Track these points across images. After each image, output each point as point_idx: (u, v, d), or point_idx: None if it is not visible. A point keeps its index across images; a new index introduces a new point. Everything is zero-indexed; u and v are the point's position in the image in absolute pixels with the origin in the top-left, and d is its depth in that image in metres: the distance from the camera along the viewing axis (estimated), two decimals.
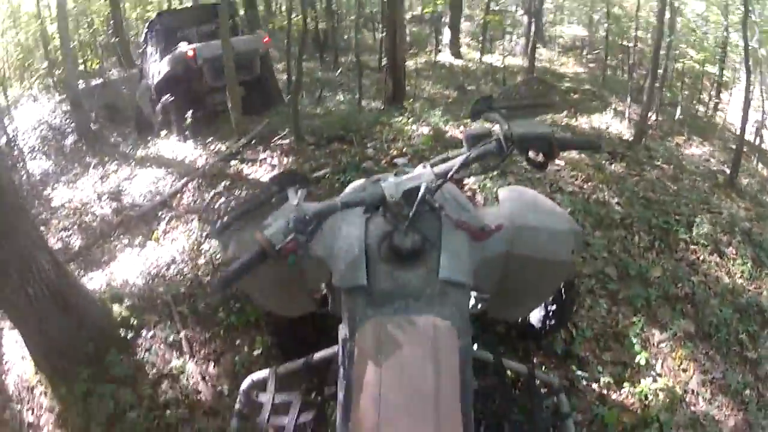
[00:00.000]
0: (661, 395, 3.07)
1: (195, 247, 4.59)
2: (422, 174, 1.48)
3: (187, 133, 6.94)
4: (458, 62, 13.63)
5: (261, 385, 2.24)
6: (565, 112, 8.28)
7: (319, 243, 1.62)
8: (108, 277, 4.56)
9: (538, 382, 2.03)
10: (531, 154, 1.59)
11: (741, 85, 11.69)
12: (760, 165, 9.19)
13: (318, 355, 2.16)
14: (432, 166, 1.54)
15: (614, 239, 4.19)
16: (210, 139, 6.70)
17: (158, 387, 3.51)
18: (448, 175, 1.50)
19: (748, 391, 3.27)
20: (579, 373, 3.13)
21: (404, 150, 5.36)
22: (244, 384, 2.25)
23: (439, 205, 1.49)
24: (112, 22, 15.04)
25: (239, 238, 1.75)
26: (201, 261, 4.42)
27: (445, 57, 13.89)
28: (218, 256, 4.31)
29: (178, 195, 5.62)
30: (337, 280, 1.53)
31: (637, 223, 4.38)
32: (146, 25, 9.20)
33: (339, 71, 11.84)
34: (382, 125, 6.11)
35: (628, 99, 9.04)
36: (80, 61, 14.28)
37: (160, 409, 3.38)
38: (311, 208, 1.40)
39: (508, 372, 2.06)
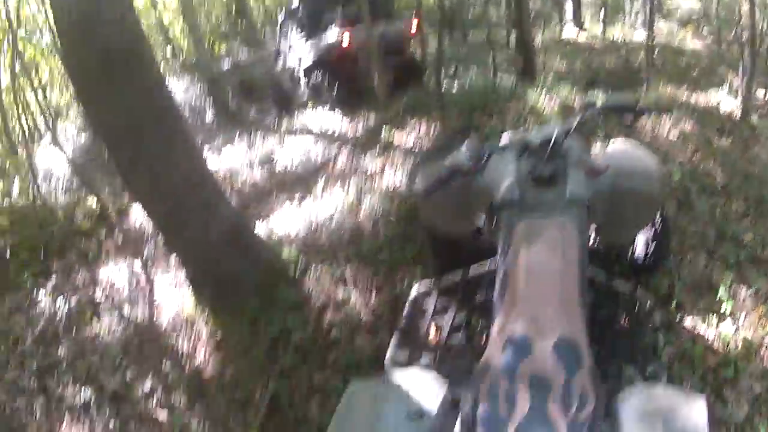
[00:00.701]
0: (740, 344, 3.34)
1: (354, 204, 5.03)
2: (555, 128, 2.10)
3: (335, 104, 7.49)
4: (581, 38, 13.64)
5: (424, 295, 2.87)
6: (684, 88, 8.24)
7: (486, 175, 2.21)
8: (270, 228, 5.14)
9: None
10: (624, 118, 2.29)
11: None
12: None
13: (472, 271, 2.76)
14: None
15: (715, 205, 4.44)
16: (357, 111, 7.20)
17: (324, 313, 4.01)
18: (571, 129, 2.13)
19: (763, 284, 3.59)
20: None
21: (538, 121, 5.64)
22: (412, 292, 2.91)
23: (565, 148, 2.09)
24: (234, 6, 16.11)
25: (433, 170, 2.35)
26: (360, 216, 4.86)
27: (569, 32, 13.93)
28: (378, 211, 4.77)
29: (332, 162, 6.14)
30: (497, 200, 2.06)
31: (735, 193, 4.63)
32: (285, 8, 9.82)
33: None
34: (517, 99, 6.37)
35: (741, 75, 8.54)
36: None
37: (323, 330, 3.88)
38: (482, 148, 2.13)
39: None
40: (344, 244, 4.55)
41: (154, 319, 4.66)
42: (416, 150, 5.68)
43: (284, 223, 5.19)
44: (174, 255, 4.80)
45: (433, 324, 2.78)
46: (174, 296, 4.73)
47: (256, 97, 11.27)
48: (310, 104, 8.09)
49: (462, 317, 2.75)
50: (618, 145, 2.67)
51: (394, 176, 5.26)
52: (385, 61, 7.19)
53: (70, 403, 4.18)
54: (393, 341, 2.72)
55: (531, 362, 1.55)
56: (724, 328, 3.48)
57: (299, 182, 5.99)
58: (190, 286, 4.47)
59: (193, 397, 3.90)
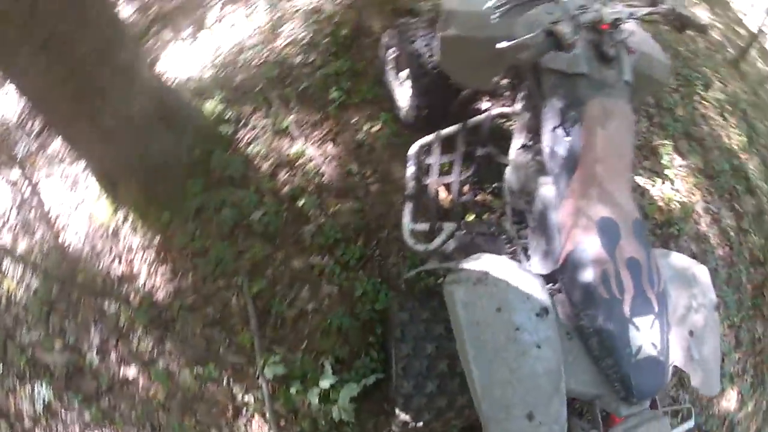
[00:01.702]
0: (679, 206, 3.73)
1: (269, 29, 4.14)
2: (623, 11, 1.95)
3: None
4: None
5: (426, 150, 2.75)
6: None
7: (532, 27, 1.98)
8: (173, 77, 4.11)
9: None
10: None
11: None
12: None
13: (472, 121, 2.71)
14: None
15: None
16: None
17: (277, 179, 3.32)
18: (635, 16, 2.00)
19: (733, 234, 3.89)
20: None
21: None
22: (412, 149, 2.73)
23: (623, 32, 1.99)
24: None
25: (521, 20, 2.08)
26: (280, 42, 4.02)
27: None
28: (303, 41, 3.95)
29: None
30: (563, 66, 1.96)
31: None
32: None
33: None
34: None
35: None
36: None
37: (287, 201, 3.23)
38: (581, 17, 1.88)
39: None
40: (275, 82, 3.74)
41: (65, 245, 3.54)
42: None
43: (183, 67, 4.16)
44: (71, 147, 3.53)
45: (441, 184, 2.81)
46: (75, 204, 3.66)
47: None
48: None
49: (468, 170, 2.79)
50: (637, 36, 2.51)
51: None
52: None
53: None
54: (406, 211, 2.60)
55: (624, 246, 1.70)
56: (666, 190, 3.79)
57: (182, 13, 4.73)
58: (100, 184, 3.44)
59: (158, 333, 3.11)
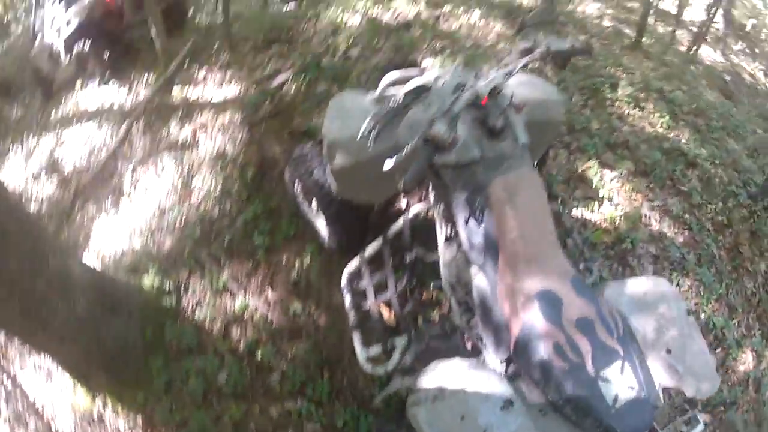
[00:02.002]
0: (624, 219, 3.78)
1: (182, 186, 4.25)
2: (497, 77, 1.91)
3: (108, 74, 6.17)
4: None
5: (357, 275, 2.77)
6: None
7: (410, 128, 2.07)
8: (103, 255, 4.18)
9: None
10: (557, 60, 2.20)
11: None
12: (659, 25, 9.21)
13: (392, 231, 2.73)
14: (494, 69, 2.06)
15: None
16: (135, 75, 5.94)
17: (231, 337, 3.40)
18: (512, 74, 1.99)
19: (687, 216, 3.94)
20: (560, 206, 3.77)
21: (350, 42, 4.98)
22: (343, 280, 2.75)
23: (504, 96, 1.95)
24: None
25: (402, 127, 2.09)
26: (195, 197, 4.12)
27: None
28: (216, 192, 4.04)
29: (124, 140, 5.03)
30: (453, 160, 1.92)
31: (571, 86, 4.83)
32: None
33: None
34: (312, 18, 5.60)
35: None
36: None
37: (246, 357, 3.30)
38: (454, 109, 1.79)
39: None
40: (200, 243, 3.82)
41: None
42: (238, 97, 4.78)
43: (113, 241, 4.23)
44: (36, 350, 3.64)
45: (380, 303, 2.79)
46: (55, 393, 3.67)
47: (14, 92, 8.90)
48: (79, 82, 6.55)
49: (403, 281, 2.81)
50: (520, 78, 2.56)
51: (214, 140, 4.44)
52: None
53: None
54: (356, 341, 2.62)
55: (568, 309, 1.69)
56: (607, 210, 3.83)
57: (101, 183, 4.85)
58: (71, 376, 3.51)
59: None
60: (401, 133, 2.08)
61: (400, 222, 2.77)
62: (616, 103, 4.73)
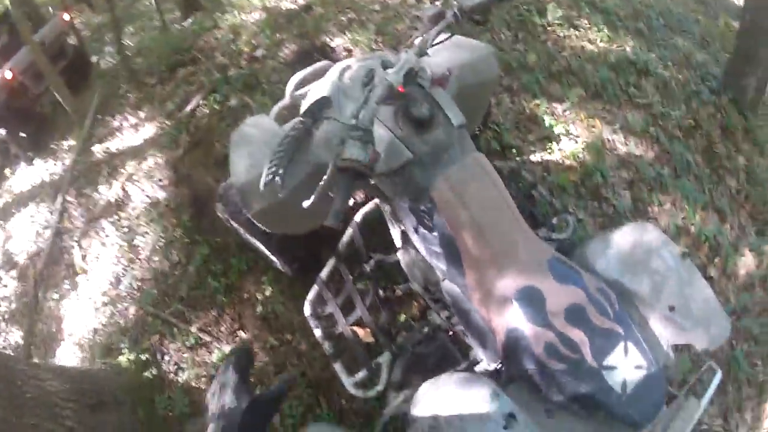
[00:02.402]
0: (588, 151, 3.45)
1: (128, 247, 4.01)
2: (408, 58, 1.63)
3: (30, 154, 5.90)
4: None
5: (320, 301, 2.53)
6: None
7: (327, 139, 1.77)
8: (77, 340, 3.96)
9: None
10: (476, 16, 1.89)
11: None
12: None
13: (343, 244, 2.49)
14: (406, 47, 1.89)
15: (485, 40, 4.06)
16: (54, 144, 5.68)
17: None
18: (426, 51, 1.72)
19: (652, 129, 3.65)
20: (517, 159, 3.41)
21: (256, 42, 4.64)
22: (306, 310, 2.51)
23: (424, 75, 1.71)
24: None
25: (314, 145, 1.79)
26: (143, 255, 3.90)
27: None
28: (159, 243, 3.80)
29: (66, 215, 4.77)
30: (385, 167, 1.66)
31: (496, 23, 4.35)
32: None
33: None
34: (211, 29, 5.25)
35: None
36: None
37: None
38: (363, 119, 1.46)
39: None
40: (160, 303, 3.59)
41: None
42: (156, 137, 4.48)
43: (83, 323, 3.99)
44: None
45: (352, 324, 2.53)
46: None
47: None
48: (8, 170, 6.28)
49: (368, 296, 2.54)
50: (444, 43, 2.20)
51: (143, 190, 4.18)
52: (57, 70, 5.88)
53: None
54: (339, 371, 2.41)
55: (553, 302, 1.50)
56: (567, 146, 3.49)
57: (54, 263, 4.60)
58: None
59: None
60: (316, 153, 1.77)
61: (349, 231, 2.49)
62: (549, 29, 4.33)
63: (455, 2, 1.83)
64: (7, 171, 6.10)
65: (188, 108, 4.27)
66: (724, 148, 3.73)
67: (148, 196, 4.07)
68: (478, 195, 1.63)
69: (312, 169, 1.78)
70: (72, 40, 6.92)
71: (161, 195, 3.97)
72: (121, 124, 4.84)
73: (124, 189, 4.27)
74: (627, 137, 3.61)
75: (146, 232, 3.93)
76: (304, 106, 1.78)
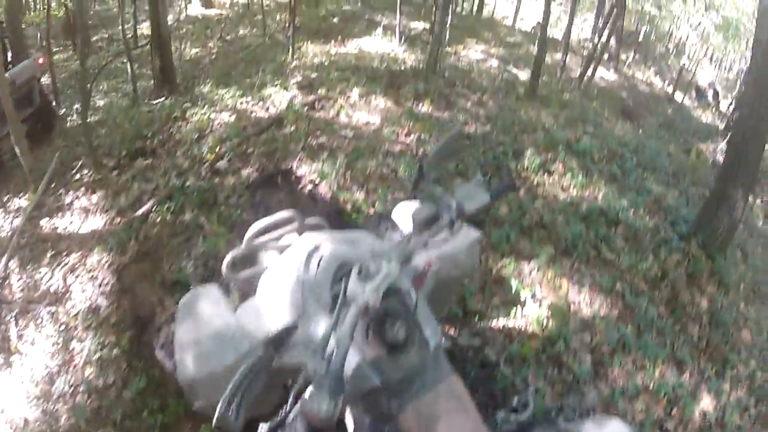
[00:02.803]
0: (552, 316, 3.39)
1: (63, 346, 3.86)
2: (389, 272, 1.35)
3: None
4: (210, 12, 11.97)
5: None
6: (332, 42, 7.73)
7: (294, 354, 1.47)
8: (9, 420, 3.77)
9: None
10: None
11: None
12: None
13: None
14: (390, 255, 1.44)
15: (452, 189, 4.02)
16: (7, 198, 5.40)
17: None
18: (410, 260, 1.49)
19: (619, 285, 3.65)
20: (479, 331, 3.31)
21: (220, 150, 4.52)
22: None
23: (405, 289, 1.44)
24: None
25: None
26: (79, 361, 3.74)
27: (196, 9, 12.08)
28: (95, 356, 3.67)
29: (7, 281, 4.54)
30: (351, 395, 1.40)
31: (471, 166, 4.31)
32: None
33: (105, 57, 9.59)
34: (178, 120, 5.12)
35: (398, 13, 8.17)
36: None
37: None
38: (335, 363, 1.22)
39: None
40: (92, 419, 3.45)
41: None
42: (104, 231, 4.33)
43: (15, 407, 3.77)
44: None
45: None
46: None
47: None
48: None
49: None
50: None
51: (84, 290, 4.03)
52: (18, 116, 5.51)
53: None
54: None
55: None
56: (531, 311, 3.43)
57: None
58: None
59: None
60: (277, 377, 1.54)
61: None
62: (523, 175, 4.33)
63: (453, 203, 1.60)
64: None
65: (140, 211, 4.14)
66: (688, 295, 3.79)
67: (89, 298, 3.93)
68: (451, 424, 1.39)
69: (274, 382, 1.55)
70: (41, 89, 6.55)
71: (102, 302, 3.85)
72: (72, 203, 4.67)
73: (65, 280, 4.11)
74: (593, 297, 3.61)
75: (83, 338, 3.78)
76: (268, 333, 1.43)
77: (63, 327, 3.93)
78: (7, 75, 5.51)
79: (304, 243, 1.60)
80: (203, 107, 5.22)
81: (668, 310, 3.71)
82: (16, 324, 4.24)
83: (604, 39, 8.20)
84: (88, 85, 5.57)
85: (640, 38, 11.02)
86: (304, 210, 4.11)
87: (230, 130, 4.73)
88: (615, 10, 8.30)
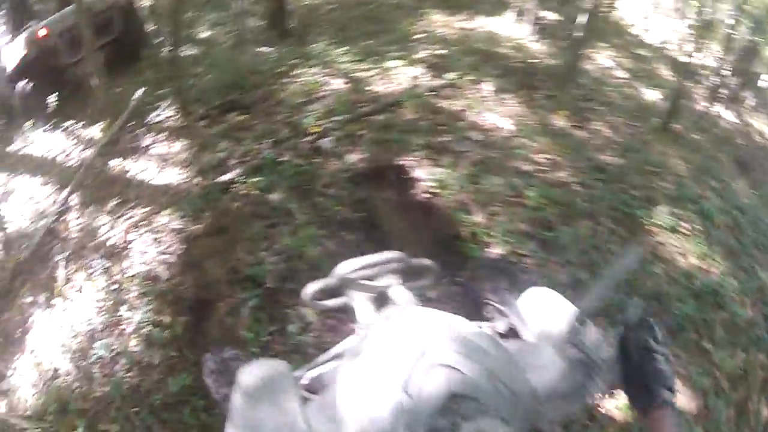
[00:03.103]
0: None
1: (111, 307, 3.48)
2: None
3: (54, 121, 5.38)
4: None
5: None
6: (459, 16, 7.17)
7: None
8: (38, 371, 3.47)
9: None
10: None
11: None
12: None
13: None
14: None
15: (582, 235, 3.68)
16: (81, 124, 5.08)
17: None
18: None
19: (705, 380, 3.25)
20: None
21: (326, 124, 4.03)
22: None
23: None
24: None
25: None
26: (125, 329, 3.37)
27: None
28: (144, 330, 3.28)
29: (64, 217, 4.23)
30: None
31: (600, 208, 3.92)
32: None
33: None
34: (282, 76, 4.64)
35: None
36: None
37: None
38: None
39: None
40: (128, 397, 3.08)
41: None
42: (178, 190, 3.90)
43: (43, 351, 3.52)
44: None
45: None
46: None
47: None
48: (29, 122, 5.79)
49: None
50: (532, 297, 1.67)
51: (145, 253, 3.62)
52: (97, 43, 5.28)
53: None
54: None
55: None
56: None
57: (38, 260, 4.08)
58: None
59: None
60: None
61: None
62: (649, 228, 3.89)
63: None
64: (29, 123, 5.59)
65: (224, 177, 3.71)
66: (756, 403, 3.36)
67: (148, 262, 3.53)
68: None
69: None
70: (129, 15, 6.34)
71: (162, 272, 3.44)
72: (149, 147, 4.28)
73: (126, 235, 3.72)
74: (681, 389, 3.22)
75: (134, 306, 3.40)
76: None
77: (115, 286, 3.56)
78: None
79: (407, 337, 1.21)
80: (315, 67, 4.69)
81: (736, 413, 3.28)
82: (66, 266, 3.92)
83: (729, 74, 7.68)
84: (185, 14, 5.09)
85: (759, 82, 10.23)
86: (415, 223, 3.45)
87: (340, 102, 4.25)
88: (746, 50, 7.91)
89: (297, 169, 3.66)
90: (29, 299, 3.93)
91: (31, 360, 3.54)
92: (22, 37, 5.78)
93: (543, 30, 7.46)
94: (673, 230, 3.89)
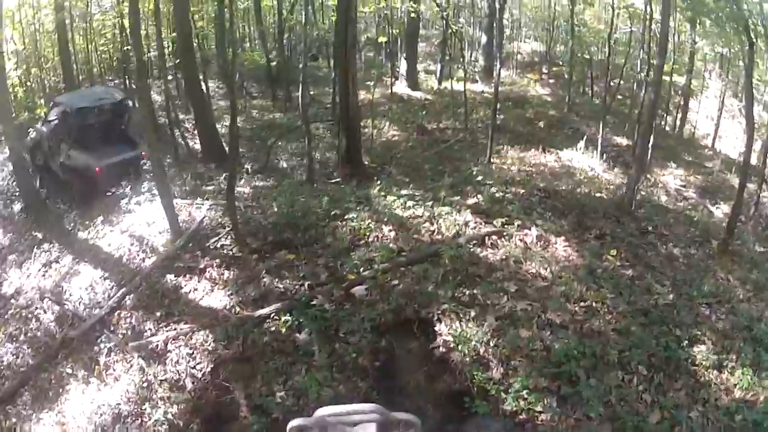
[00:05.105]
0: None
1: (139, 400, 3.87)
2: None
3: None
4: (416, 94, 11.73)
5: None
6: (532, 150, 7.54)
7: None
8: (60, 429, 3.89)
9: None
10: None
11: (709, 92, 11.05)
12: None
13: None
14: None
15: (610, 386, 3.58)
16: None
17: None
18: None
19: None
20: None
21: (363, 271, 4.45)
22: None
23: None
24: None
25: None
26: (146, 423, 3.72)
27: (402, 88, 11.85)
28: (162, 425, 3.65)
29: (117, 312, 4.71)
30: None
31: (635, 355, 3.78)
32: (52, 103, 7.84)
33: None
34: (336, 219, 5.12)
35: (600, 126, 8.01)
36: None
37: None
38: None
39: None
40: None
41: None
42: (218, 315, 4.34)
43: (72, 414, 3.90)
44: None
45: None
46: None
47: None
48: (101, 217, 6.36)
49: None
50: None
51: (178, 363, 4.03)
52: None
53: None
54: None
55: None
56: None
57: (85, 341, 4.52)
58: None
59: None
60: None
61: None
62: (692, 368, 3.75)
63: None
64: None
65: (259, 313, 4.19)
66: None
67: (179, 372, 3.97)
68: None
69: None
70: None
71: (189, 384, 3.88)
72: (205, 270, 4.82)
73: (166, 345, 4.19)
74: None
75: (157, 406, 3.77)
76: None
77: (146, 384, 3.97)
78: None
79: None
80: (365, 210, 5.16)
81: None
82: (108, 354, 4.37)
83: None
84: (267, 154, 5.68)
85: None
86: (429, 376, 3.56)
87: (383, 250, 4.60)
88: None
89: (324, 314, 4.02)
90: (69, 370, 4.38)
91: (57, 418, 3.95)
92: (76, 163, 6.82)
93: (610, 157, 7.65)
94: (719, 366, 3.74)
